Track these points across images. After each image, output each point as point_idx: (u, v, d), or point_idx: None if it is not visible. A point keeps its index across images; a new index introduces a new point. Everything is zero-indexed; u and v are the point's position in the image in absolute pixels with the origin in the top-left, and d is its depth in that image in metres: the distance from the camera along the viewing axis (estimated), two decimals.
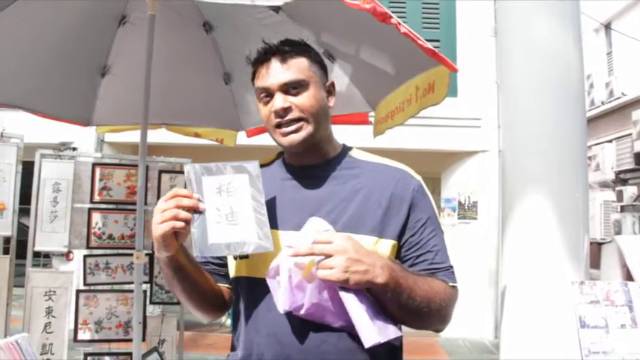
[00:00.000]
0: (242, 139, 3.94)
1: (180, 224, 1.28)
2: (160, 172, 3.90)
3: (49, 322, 3.50)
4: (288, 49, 1.44)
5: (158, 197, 3.85)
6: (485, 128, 8.15)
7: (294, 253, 1.24)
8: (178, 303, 3.92)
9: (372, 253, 1.28)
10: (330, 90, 1.53)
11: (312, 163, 1.49)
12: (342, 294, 1.23)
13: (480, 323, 7.94)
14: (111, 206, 3.79)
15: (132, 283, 3.75)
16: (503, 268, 3.12)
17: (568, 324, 2.68)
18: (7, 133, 3.61)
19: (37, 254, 4.06)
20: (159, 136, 4.20)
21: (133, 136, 4.60)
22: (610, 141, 11.63)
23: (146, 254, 3.78)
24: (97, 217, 3.71)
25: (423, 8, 8.52)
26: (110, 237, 3.72)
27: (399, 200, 1.42)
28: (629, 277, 2.82)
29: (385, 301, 1.27)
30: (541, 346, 2.81)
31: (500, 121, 3.34)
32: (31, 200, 3.62)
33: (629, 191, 10.43)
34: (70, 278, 3.60)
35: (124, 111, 3.55)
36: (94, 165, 3.76)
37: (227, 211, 1.34)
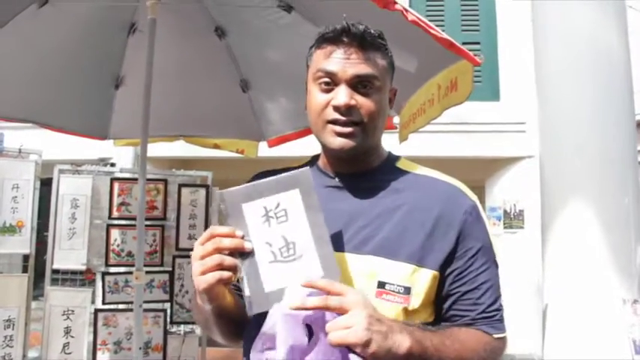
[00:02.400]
0: (264, 150, 3.78)
1: (227, 274, 1.02)
2: (180, 185, 3.78)
3: (68, 343, 3.42)
4: (370, 38, 1.18)
5: (178, 212, 3.74)
6: (529, 133, 7.79)
7: (296, 307, 0.96)
8: None
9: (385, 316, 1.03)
10: (391, 98, 1.29)
11: (350, 172, 1.25)
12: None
13: (528, 338, 7.54)
14: (131, 222, 3.69)
15: (152, 302, 3.65)
16: (545, 284, 2.83)
17: (620, 348, 2.39)
18: (25, 149, 3.57)
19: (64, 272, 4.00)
20: (187, 149, 4.10)
21: (170, 150, 4.53)
22: None
23: (164, 271, 3.67)
24: (115, 233, 3.62)
25: (462, 10, 8.26)
26: (129, 254, 3.61)
27: (446, 223, 1.16)
28: None
29: None
30: None
31: (538, 122, 3.07)
32: (50, 217, 3.56)
33: None
34: (89, 297, 3.51)
35: (140, 123, 3.45)
36: (112, 180, 3.67)
37: (281, 243, 1.05)
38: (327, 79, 1.18)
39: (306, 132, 3.46)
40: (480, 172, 8.46)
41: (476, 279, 1.16)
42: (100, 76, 3.30)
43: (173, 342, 3.66)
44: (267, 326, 0.99)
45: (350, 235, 1.15)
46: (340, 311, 0.96)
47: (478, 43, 7.92)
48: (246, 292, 1.04)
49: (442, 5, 8.21)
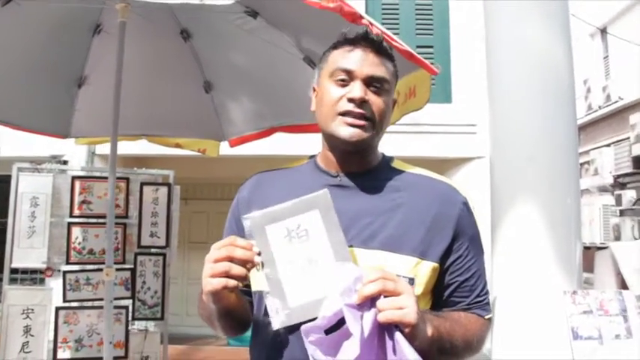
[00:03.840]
0: (225, 149, 3.84)
1: (233, 283, 1.09)
2: (142, 184, 3.81)
3: (27, 342, 3.41)
4: (385, 48, 1.32)
5: (140, 210, 3.77)
6: (480, 134, 8.06)
7: (363, 295, 1.04)
8: (162, 318, 3.82)
9: None
10: (392, 106, 1.39)
11: (352, 171, 1.34)
12: (402, 339, 1.04)
13: None
14: (91, 220, 3.69)
15: (114, 299, 3.66)
16: (494, 278, 3.01)
17: (561, 335, 2.58)
18: None
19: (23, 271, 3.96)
20: (147, 147, 4.12)
21: (125, 148, 4.53)
22: (608, 145, 11.56)
23: (126, 269, 3.69)
24: (76, 231, 3.62)
25: (417, 15, 8.46)
26: (91, 252, 3.63)
27: (443, 219, 1.29)
28: (623, 285, 2.74)
29: (428, 353, 1.12)
30: (533, 358, 2.70)
31: (489, 126, 3.24)
32: (8, 215, 3.53)
33: (628, 195, 10.33)
34: (49, 295, 3.51)
35: (102, 122, 3.43)
36: (74, 178, 3.67)
37: (303, 261, 1.12)
38: (343, 76, 1.28)
39: (266, 133, 3.54)
40: (431, 171, 8.70)
41: (470, 268, 1.31)
42: (62, 75, 3.29)
43: (135, 338, 3.69)
44: (326, 312, 1.06)
45: (356, 232, 1.23)
46: (393, 294, 1.05)
47: (431, 46, 8.14)
48: (274, 309, 1.10)
49: (397, 10, 8.39)
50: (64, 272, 3.63)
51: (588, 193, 11.68)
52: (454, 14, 8.40)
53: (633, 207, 10.09)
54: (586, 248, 7.27)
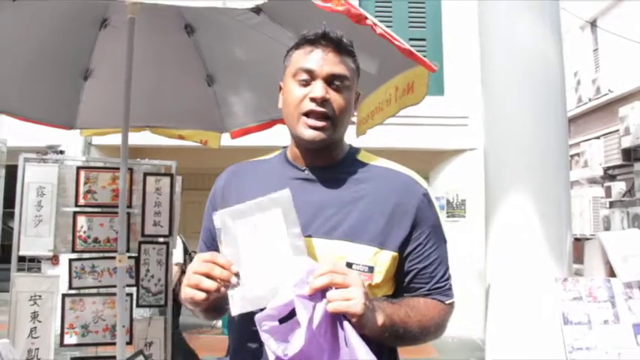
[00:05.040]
0: (226, 140, 3.94)
1: (200, 296, 1.19)
2: (145, 174, 3.88)
3: (35, 327, 3.49)
4: (345, 44, 1.37)
5: (143, 200, 3.85)
6: (472, 126, 8.18)
7: (313, 287, 1.13)
8: (165, 305, 3.92)
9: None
10: (355, 100, 1.46)
11: (318, 165, 1.41)
12: (349, 327, 1.13)
13: (470, 321, 7.95)
14: (96, 210, 3.78)
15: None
16: (488, 266, 3.13)
17: (552, 321, 2.70)
18: None
19: (24, 259, 4.03)
20: (144, 138, 4.20)
21: (120, 138, 4.61)
22: (598, 137, 11.69)
23: (130, 257, 3.78)
24: (82, 220, 3.69)
25: (409, 7, 8.55)
26: (95, 240, 3.71)
27: (402, 209, 1.35)
28: (611, 273, 2.85)
29: (382, 339, 1.23)
30: (526, 343, 2.82)
31: (483, 119, 3.35)
32: (15, 205, 3.60)
33: (618, 187, 10.48)
34: (56, 282, 3.58)
35: (107, 114, 3.54)
36: (79, 168, 3.74)
37: (263, 254, 1.22)
38: (305, 76, 1.35)
39: (267, 125, 3.64)
40: (424, 163, 8.81)
41: (429, 257, 1.38)
42: (68, 68, 3.36)
43: (139, 325, 3.79)
44: (273, 306, 1.15)
45: (320, 223, 1.32)
46: (342, 286, 1.14)
47: (424, 39, 8.24)
48: (232, 296, 1.20)
49: (390, 3, 8.48)
50: (70, 260, 3.71)
51: (578, 184, 11.83)
52: (446, 7, 8.48)
53: (622, 199, 10.25)
54: (576, 240, 7.40)
